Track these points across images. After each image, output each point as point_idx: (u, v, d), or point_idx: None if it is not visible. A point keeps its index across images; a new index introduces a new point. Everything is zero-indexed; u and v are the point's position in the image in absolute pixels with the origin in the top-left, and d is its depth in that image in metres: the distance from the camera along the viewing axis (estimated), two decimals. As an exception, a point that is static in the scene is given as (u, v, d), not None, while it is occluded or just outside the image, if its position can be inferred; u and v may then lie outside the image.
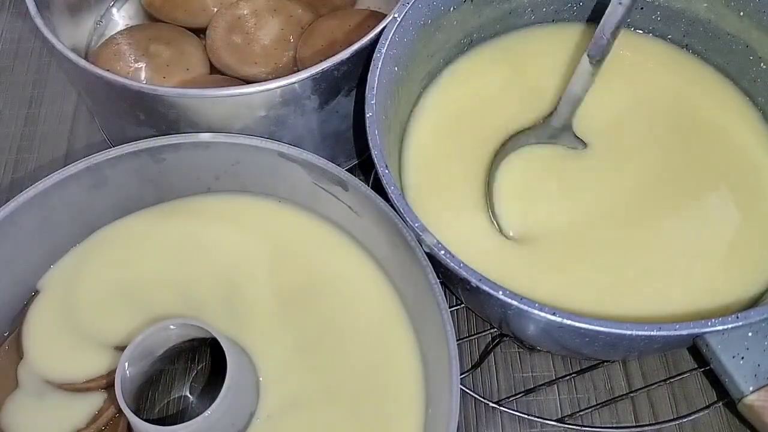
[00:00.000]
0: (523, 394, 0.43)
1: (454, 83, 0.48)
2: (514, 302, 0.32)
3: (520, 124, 0.46)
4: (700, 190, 0.44)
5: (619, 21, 0.38)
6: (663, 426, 0.42)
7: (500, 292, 0.32)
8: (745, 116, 0.46)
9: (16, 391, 0.38)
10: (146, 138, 0.40)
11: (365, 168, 0.50)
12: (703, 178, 0.44)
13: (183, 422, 0.34)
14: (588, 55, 0.40)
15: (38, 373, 0.39)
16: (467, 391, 0.43)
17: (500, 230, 0.42)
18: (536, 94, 0.47)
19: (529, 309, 0.32)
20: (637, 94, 0.47)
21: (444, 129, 0.46)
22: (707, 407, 0.42)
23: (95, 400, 0.38)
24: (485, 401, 0.42)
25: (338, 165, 0.40)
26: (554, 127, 0.44)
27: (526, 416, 0.42)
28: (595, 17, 0.50)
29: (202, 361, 0.43)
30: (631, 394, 0.43)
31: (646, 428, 0.42)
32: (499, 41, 0.49)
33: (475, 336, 0.45)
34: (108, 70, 0.40)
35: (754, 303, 0.40)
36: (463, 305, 0.45)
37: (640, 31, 0.50)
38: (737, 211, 0.43)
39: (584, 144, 0.45)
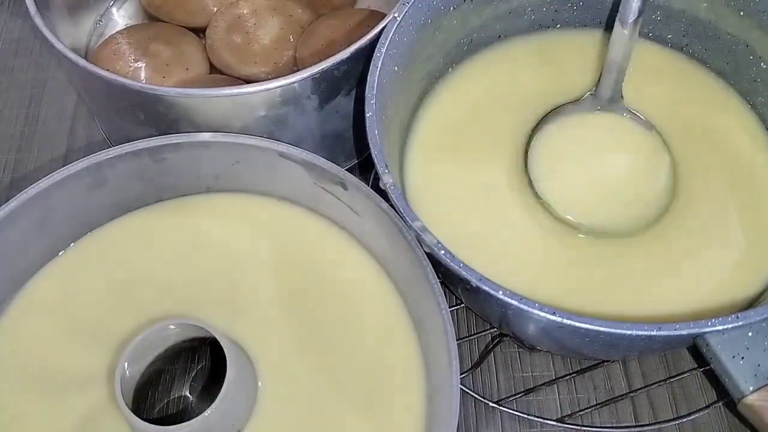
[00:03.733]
0: (523, 393, 0.43)
1: (459, 85, 0.48)
2: (514, 302, 0.32)
3: (521, 125, 0.46)
4: (698, 192, 0.44)
5: None
6: (663, 426, 0.42)
7: (500, 292, 0.32)
8: (743, 119, 0.47)
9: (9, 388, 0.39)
10: (146, 138, 0.40)
11: (365, 168, 0.50)
12: (701, 179, 0.44)
13: (183, 422, 0.34)
14: (620, 21, 0.41)
15: (36, 371, 0.39)
16: (467, 390, 0.43)
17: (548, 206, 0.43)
18: (539, 96, 0.47)
19: (529, 309, 0.32)
20: (635, 98, 0.47)
21: (447, 130, 0.46)
22: (707, 407, 0.42)
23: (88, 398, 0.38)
24: (485, 401, 0.42)
25: (338, 165, 0.40)
26: (602, 99, 0.45)
27: (525, 416, 0.42)
28: (595, 19, 0.50)
29: (201, 361, 0.43)
30: (631, 394, 0.43)
31: (646, 428, 0.42)
32: (502, 45, 0.50)
33: (475, 336, 0.45)
34: (108, 70, 0.40)
35: (753, 303, 0.40)
36: (463, 305, 0.45)
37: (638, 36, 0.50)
38: (735, 212, 0.43)
39: (644, 120, 0.45)
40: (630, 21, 0.41)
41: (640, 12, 0.41)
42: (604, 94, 0.45)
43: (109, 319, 0.40)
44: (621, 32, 0.42)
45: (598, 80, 0.45)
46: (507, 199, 0.44)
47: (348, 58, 0.40)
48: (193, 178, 0.44)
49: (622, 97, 0.45)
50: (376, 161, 0.36)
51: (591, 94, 0.45)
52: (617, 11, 0.48)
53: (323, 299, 0.41)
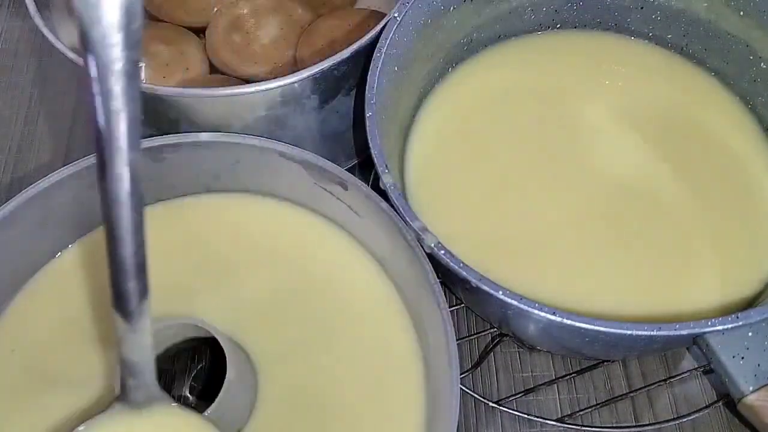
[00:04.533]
0: (522, 393, 0.43)
1: (459, 85, 0.48)
2: (514, 302, 0.32)
3: (523, 126, 0.46)
4: (698, 192, 0.44)
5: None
6: (663, 426, 0.42)
7: (500, 292, 0.32)
8: (742, 120, 0.47)
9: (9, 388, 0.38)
10: (146, 138, 0.40)
11: (365, 168, 0.50)
12: (700, 179, 0.44)
13: (183, 422, 0.34)
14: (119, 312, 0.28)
15: (35, 371, 0.39)
16: (467, 390, 0.43)
17: None
18: (540, 96, 0.47)
19: (529, 309, 0.32)
20: (632, 100, 0.48)
21: (447, 130, 0.46)
22: (707, 407, 0.42)
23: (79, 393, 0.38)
24: (485, 401, 0.42)
25: (338, 165, 0.40)
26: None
27: (525, 416, 0.42)
28: (595, 19, 0.50)
29: (201, 361, 0.43)
30: (631, 394, 0.43)
31: (646, 428, 0.42)
32: (502, 45, 0.50)
33: (475, 336, 0.45)
34: (108, 70, 0.40)
35: (752, 303, 0.40)
36: (463, 305, 0.45)
37: (637, 38, 0.50)
38: (734, 212, 0.43)
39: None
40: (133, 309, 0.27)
41: (142, 295, 0.27)
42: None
43: (109, 319, 0.40)
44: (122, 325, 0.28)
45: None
46: (507, 199, 0.44)
47: (348, 58, 0.40)
48: (193, 178, 0.44)
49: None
50: (376, 161, 0.36)
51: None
52: (617, 11, 0.49)
53: (323, 299, 0.41)
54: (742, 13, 0.44)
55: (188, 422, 0.32)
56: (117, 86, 0.23)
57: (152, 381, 0.30)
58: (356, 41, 0.40)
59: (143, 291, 0.27)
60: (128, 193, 0.25)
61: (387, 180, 0.36)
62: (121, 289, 0.27)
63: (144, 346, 0.29)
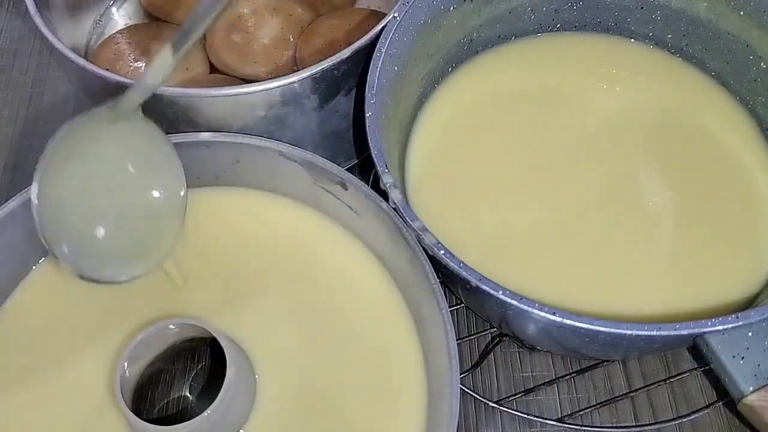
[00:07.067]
0: (522, 393, 0.43)
1: (459, 85, 0.48)
2: (514, 302, 0.32)
3: (523, 126, 0.46)
4: (697, 193, 0.44)
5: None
6: (663, 426, 0.42)
7: (500, 292, 0.32)
8: (741, 121, 0.47)
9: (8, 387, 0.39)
10: (146, 137, 0.40)
11: (365, 168, 0.50)
12: (700, 181, 0.44)
13: (183, 422, 0.34)
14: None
15: (35, 371, 0.39)
16: (467, 390, 0.43)
17: None
18: (540, 97, 0.47)
19: (529, 309, 0.32)
20: (632, 101, 0.48)
21: (447, 130, 0.46)
22: (707, 407, 0.42)
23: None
24: (485, 401, 0.42)
25: (338, 164, 0.40)
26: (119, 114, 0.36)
27: (525, 416, 0.42)
28: (595, 19, 0.50)
29: (201, 361, 0.43)
30: (631, 394, 0.43)
31: (645, 428, 0.42)
32: (502, 45, 0.50)
33: (475, 336, 0.45)
34: (107, 70, 0.40)
35: (752, 303, 0.40)
36: (463, 305, 0.45)
37: (636, 39, 0.50)
38: (734, 213, 0.43)
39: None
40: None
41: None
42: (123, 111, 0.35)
43: (108, 318, 0.40)
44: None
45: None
46: (507, 199, 0.44)
47: (348, 57, 0.40)
48: (193, 177, 0.43)
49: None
50: (376, 161, 0.36)
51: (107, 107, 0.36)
52: (617, 11, 0.49)
53: (323, 299, 0.41)
54: (742, 12, 0.44)
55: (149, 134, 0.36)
56: None
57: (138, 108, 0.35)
58: (356, 41, 0.40)
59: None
60: None
61: (387, 180, 0.36)
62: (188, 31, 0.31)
63: (150, 89, 0.34)
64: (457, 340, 0.35)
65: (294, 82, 0.39)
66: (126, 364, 0.36)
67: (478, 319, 0.45)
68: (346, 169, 0.39)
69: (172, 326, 0.37)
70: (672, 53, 0.49)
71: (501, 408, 0.42)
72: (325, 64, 0.39)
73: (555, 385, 0.43)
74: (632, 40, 0.50)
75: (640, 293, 0.41)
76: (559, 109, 0.47)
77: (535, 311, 0.32)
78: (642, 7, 0.48)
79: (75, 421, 0.38)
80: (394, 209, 0.36)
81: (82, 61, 0.40)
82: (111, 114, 0.35)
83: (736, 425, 0.42)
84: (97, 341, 0.40)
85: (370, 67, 0.39)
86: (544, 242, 0.42)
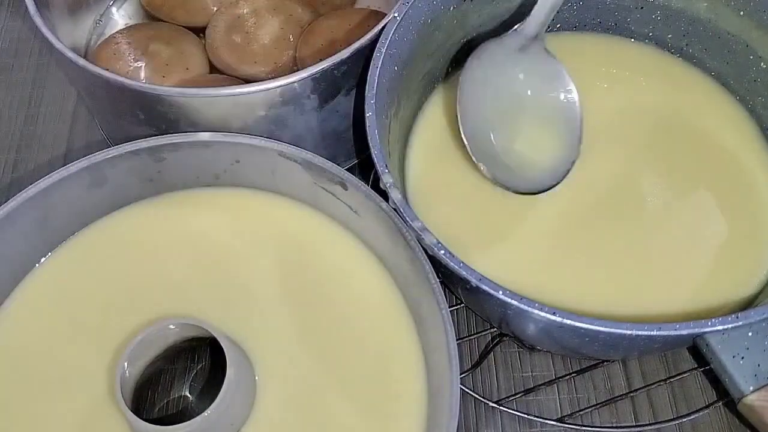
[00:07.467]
0: (522, 393, 0.43)
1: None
2: (514, 302, 0.32)
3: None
4: (697, 192, 0.44)
5: None
6: (663, 426, 0.42)
7: (500, 292, 0.32)
8: (741, 122, 0.47)
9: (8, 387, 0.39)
10: (146, 137, 0.40)
11: (365, 168, 0.50)
12: (699, 180, 0.44)
13: (182, 422, 0.34)
14: None
15: (35, 371, 0.39)
16: (467, 390, 0.43)
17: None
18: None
19: (529, 309, 0.32)
20: (631, 102, 0.48)
21: (447, 130, 0.46)
22: (707, 407, 0.42)
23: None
24: (485, 401, 0.42)
25: (338, 164, 0.40)
26: (526, 37, 0.44)
27: (525, 416, 0.42)
28: (595, 19, 0.50)
29: (201, 361, 0.43)
30: (631, 394, 0.43)
31: (645, 428, 0.42)
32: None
33: (475, 336, 0.45)
34: (107, 69, 0.40)
35: (752, 303, 0.40)
36: (463, 305, 0.45)
37: (637, 39, 0.50)
38: (734, 213, 0.43)
39: (555, 58, 0.44)
40: None
41: None
42: (530, 31, 0.43)
43: (108, 318, 0.40)
44: None
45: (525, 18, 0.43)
46: (507, 199, 0.44)
47: (348, 57, 0.40)
48: (193, 177, 0.44)
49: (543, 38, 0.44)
50: (376, 161, 0.36)
51: (515, 31, 0.44)
52: (617, 11, 0.49)
53: (323, 299, 0.41)
54: (742, 12, 0.44)
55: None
56: None
57: (547, 23, 0.43)
58: (356, 41, 0.40)
59: None
60: None
61: (387, 180, 0.36)
62: None
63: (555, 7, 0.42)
64: (457, 340, 0.35)
65: (294, 82, 0.39)
66: (126, 364, 0.36)
67: (478, 319, 0.45)
68: (346, 169, 0.39)
69: (172, 326, 0.37)
70: (672, 53, 0.49)
71: (501, 408, 0.42)
72: (325, 64, 0.39)
73: (555, 385, 0.43)
74: (632, 40, 0.50)
75: (640, 293, 0.41)
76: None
77: (535, 311, 0.32)
78: (642, 7, 0.48)
79: (75, 421, 0.38)
80: (394, 209, 0.36)
81: (82, 61, 0.40)
82: (518, 39, 0.43)
83: (736, 425, 0.42)
84: (97, 341, 0.40)
85: (370, 67, 0.39)
86: (544, 242, 0.43)
